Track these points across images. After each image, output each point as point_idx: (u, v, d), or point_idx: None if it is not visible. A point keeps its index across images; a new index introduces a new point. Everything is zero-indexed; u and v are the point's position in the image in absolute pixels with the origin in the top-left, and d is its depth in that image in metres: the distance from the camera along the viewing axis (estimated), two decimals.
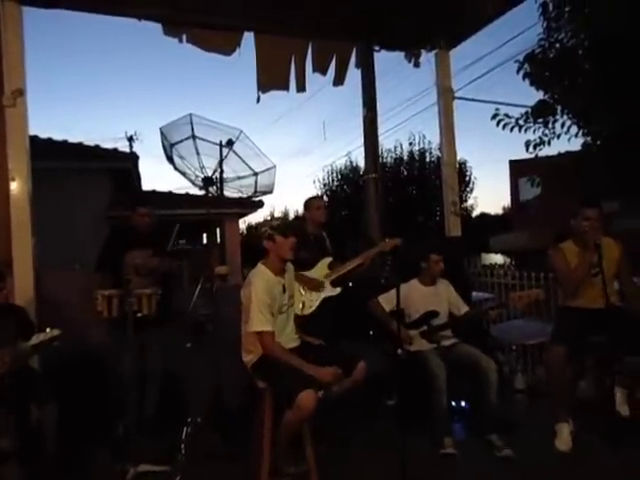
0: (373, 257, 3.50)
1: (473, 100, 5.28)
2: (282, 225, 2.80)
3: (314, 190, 20.44)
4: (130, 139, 19.82)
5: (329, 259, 3.49)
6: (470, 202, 20.26)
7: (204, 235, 13.64)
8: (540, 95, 6.03)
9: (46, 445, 2.71)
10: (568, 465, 2.92)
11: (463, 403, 3.61)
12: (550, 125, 5.99)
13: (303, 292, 3.29)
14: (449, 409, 3.20)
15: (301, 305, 3.23)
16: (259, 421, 2.70)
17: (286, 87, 4.67)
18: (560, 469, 2.87)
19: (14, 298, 3.30)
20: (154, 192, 11.29)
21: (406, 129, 26.42)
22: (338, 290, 3.42)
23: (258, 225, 3.26)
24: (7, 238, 3.42)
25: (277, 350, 2.59)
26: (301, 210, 3.81)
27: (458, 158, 5.54)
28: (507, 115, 5.86)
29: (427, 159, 18.63)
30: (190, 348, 3.41)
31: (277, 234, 2.70)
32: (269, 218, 3.44)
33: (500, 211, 26.88)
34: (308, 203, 3.72)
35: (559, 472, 2.85)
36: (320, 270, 3.43)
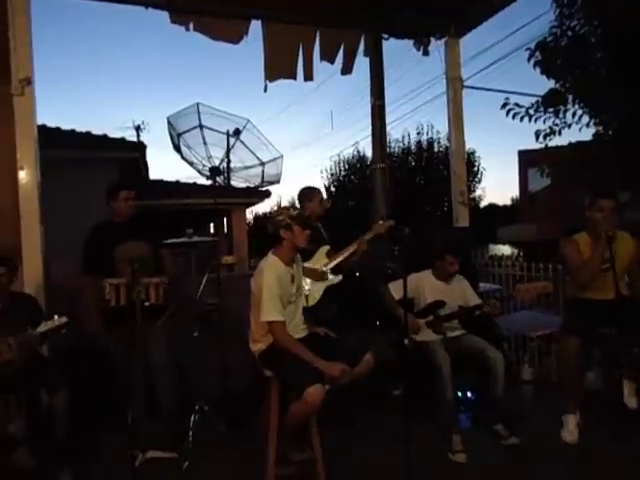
0: (368, 242, 3.48)
1: (482, 89, 5.21)
2: (301, 216, 2.74)
3: (321, 180, 20.44)
4: (137, 128, 19.90)
5: (326, 247, 3.49)
6: (478, 192, 20.18)
7: (211, 225, 13.69)
8: (551, 84, 5.96)
9: (56, 431, 2.74)
10: (574, 456, 2.92)
11: (469, 394, 3.61)
12: (561, 114, 5.92)
13: (307, 284, 3.31)
14: (455, 400, 3.20)
15: (305, 296, 3.24)
16: (265, 409, 2.72)
17: (294, 76, 4.63)
18: (566, 460, 2.87)
19: (23, 286, 3.33)
20: (161, 182, 11.33)
21: (414, 119, 26.33)
22: (339, 278, 3.43)
23: (274, 213, 3.20)
24: (16, 226, 3.45)
25: (288, 340, 2.59)
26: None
27: (466, 148, 5.49)
28: (517, 104, 5.80)
29: (435, 149, 18.50)
30: (197, 337, 3.43)
31: (295, 224, 2.67)
32: (286, 207, 3.41)
33: (508, 202, 26.73)
34: (310, 194, 3.65)
35: (565, 463, 2.84)
36: (319, 259, 3.44)
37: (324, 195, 3.78)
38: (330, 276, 3.44)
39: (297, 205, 3.74)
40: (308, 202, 3.59)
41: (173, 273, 3.30)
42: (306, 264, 3.37)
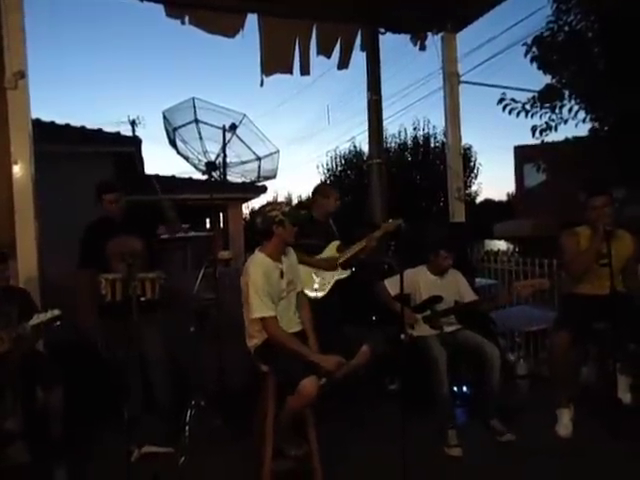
0: (378, 239, 3.53)
1: (479, 84, 5.21)
2: (293, 213, 2.74)
3: (318, 175, 20.39)
4: (133, 123, 19.77)
5: (337, 242, 3.53)
6: (474, 188, 20.18)
7: (207, 220, 13.64)
8: (548, 79, 5.95)
9: (52, 427, 2.73)
10: (568, 450, 2.94)
11: (465, 389, 3.63)
12: (557, 110, 5.91)
13: (316, 276, 3.34)
14: (451, 395, 3.21)
15: (315, 288, 3.29)
16: (262, 404, 2.72)
17: (290, 70, 4.61)
18: (560, 454, 2.89)
19: (18, 281, 3.32)
20: (157, 176, 11.27)
21: (411, 114, 26.07)
22: (348, 272, 3.47)
23: (267, 208, 3.14)
24: (11, 221, 3.42)
25: (282, 335, 2.59)
26: (304, 195, 3.79)
27: (463, 143, 5.49)
28: (514, 100, 5.78)
29: (432, 144, 18.47)
30: (193, 332, 3.42)
31: (288, 221, 2.68)
32: (278, 202, 3.35)
33: (504, 197, 26.78)
34: (325, 191, 3.67)
35: (559, 457, 2.86)
36: (329, 253, 3.49)
37: None
38: (339, 270, 3.45)
39: (310, 199, 3.77)
40: (324, 199, 3.61)
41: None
42: (318, 257, 3.41)
